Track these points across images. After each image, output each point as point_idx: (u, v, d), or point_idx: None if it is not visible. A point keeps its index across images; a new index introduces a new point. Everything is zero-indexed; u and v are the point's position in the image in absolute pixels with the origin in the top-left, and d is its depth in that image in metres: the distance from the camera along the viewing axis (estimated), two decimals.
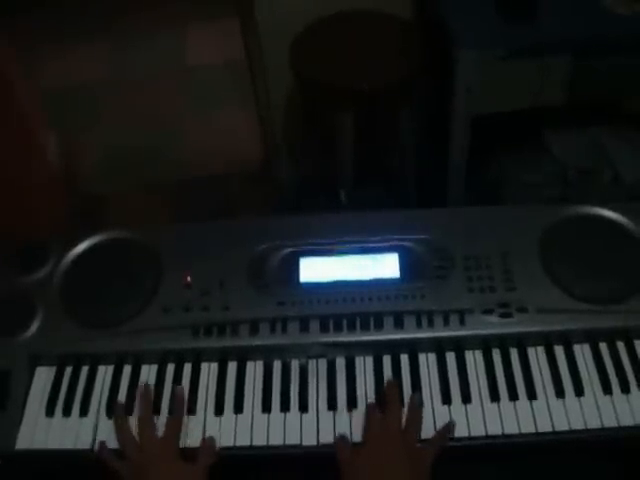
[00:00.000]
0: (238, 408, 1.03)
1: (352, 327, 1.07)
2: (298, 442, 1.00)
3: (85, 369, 1.09)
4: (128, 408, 1.04)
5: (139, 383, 1.07)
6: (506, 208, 1.26)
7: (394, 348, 1.07)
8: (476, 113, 1.67)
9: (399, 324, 1.07)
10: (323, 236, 1.18)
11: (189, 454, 0.99)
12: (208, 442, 1.00)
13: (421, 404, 1.01)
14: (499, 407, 1.01)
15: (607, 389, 1.01)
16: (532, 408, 1.00)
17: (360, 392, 1.04)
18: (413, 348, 1.07)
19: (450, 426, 0.98)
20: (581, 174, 1.88)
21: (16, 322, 1.11)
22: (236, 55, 2.12)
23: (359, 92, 1.71)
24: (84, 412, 1.05)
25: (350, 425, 1.01)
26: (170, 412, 1.03)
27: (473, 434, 0.98)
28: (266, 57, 1.96)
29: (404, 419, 0.99)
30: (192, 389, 1.06)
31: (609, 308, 1.06)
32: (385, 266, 1.14)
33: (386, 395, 1.02)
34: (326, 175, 2.10)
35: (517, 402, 1.01)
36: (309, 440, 1.00)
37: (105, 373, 1.09)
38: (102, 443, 1.01)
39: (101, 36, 3.09)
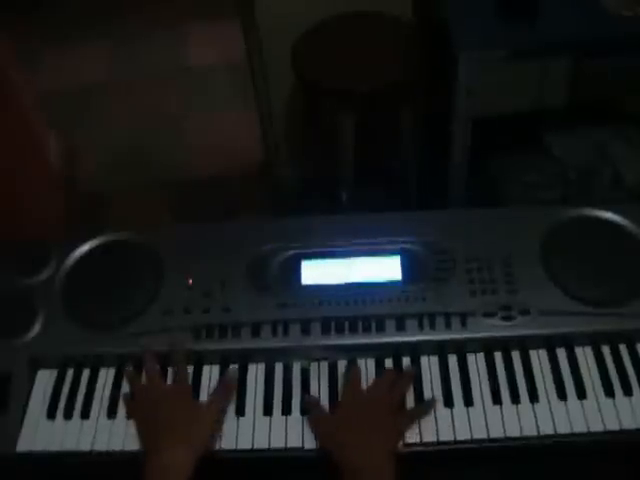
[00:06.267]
0: (239, 411, 1.03)
1: (354, 330, 1.07)
2: (300, 445, 0.99)
3: (86, 372, 1.09)
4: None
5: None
6: (507, 210, 1.26)
7: (396, 351, 1.07)
8: (477, 114, 1.67)
9: (401, 327, 1.07)
10: (325, 238, 1.18)
11: None
12: (228, 377, 1.05)
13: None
14: (501, 410, 1.00)
15: (609, 392, 1.01)
16: (534, 411, 1.00)
17: None
18: (415, 351, 1.07)
19: (432, 402, 1.01)
20: (582, 175, 1.88)
21: (17, 324, 1.10)
22: (237, 56, 2.12)
23: (360, 93, 1.71)
24: (85, 415, 1.04)
25: None
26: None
27: (475, 436, 0.98)
28: (267, 58, 1.96)
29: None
30: (193, 391, 1.05)
31: (611, 310, 1.06)
32: (387, 268, 1.13)
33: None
34: (327, 176, 2.09)
35: (519, 405, 1.01)
36: (311, 443, 0.99)
37: (106, 376, 1.08)
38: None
39: (101, 36, 3.09)
